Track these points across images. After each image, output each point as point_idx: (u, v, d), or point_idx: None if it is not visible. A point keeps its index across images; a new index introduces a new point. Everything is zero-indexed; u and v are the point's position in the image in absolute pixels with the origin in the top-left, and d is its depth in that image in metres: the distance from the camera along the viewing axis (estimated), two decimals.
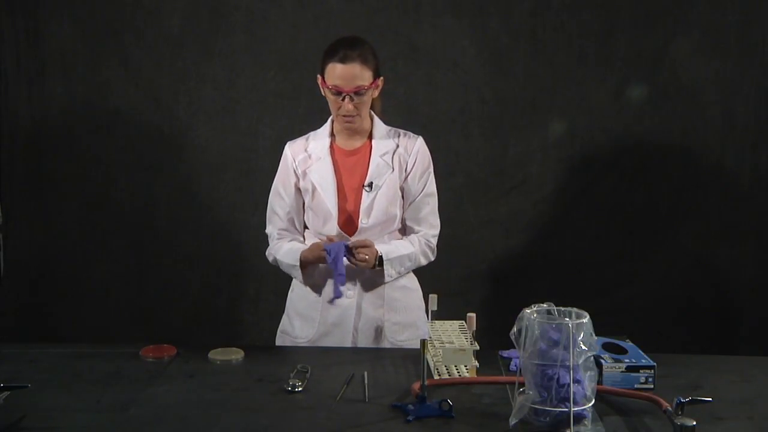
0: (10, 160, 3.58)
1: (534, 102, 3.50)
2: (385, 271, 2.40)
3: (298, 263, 2.42)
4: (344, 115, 2.38)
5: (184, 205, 3.59)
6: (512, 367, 2.12)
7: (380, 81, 2.42)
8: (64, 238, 3.59)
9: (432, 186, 2.51)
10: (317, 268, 2.45)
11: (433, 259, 2.53)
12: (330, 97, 2.38)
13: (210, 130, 3.55)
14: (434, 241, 2.51)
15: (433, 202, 2.52)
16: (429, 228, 2.50)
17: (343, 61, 2.31)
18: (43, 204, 3.58)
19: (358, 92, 2.34)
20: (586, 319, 1.72)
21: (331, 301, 2.42)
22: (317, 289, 2.48)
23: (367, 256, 2.33)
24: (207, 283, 3.62)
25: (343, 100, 2.34)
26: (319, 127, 2.55)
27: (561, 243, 3.54)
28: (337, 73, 2.32)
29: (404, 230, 2.52)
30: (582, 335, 1.69)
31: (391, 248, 2.43)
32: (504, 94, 3.50)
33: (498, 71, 3.49)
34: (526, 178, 3.53)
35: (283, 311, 2.60)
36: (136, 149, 3.56)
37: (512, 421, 1.71)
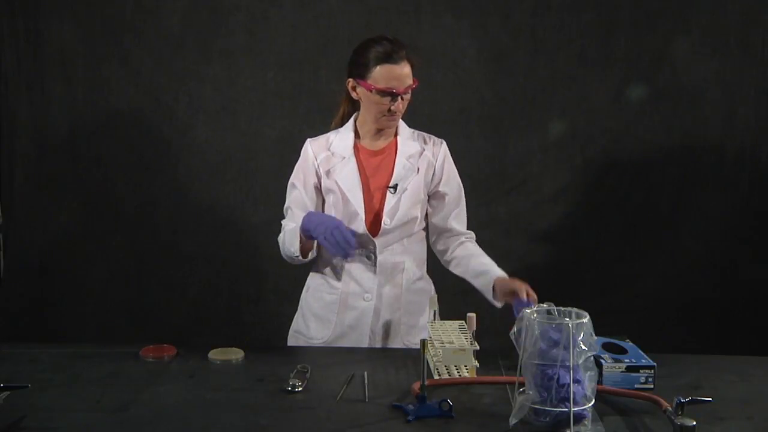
0: (10, 161, 3.58)
1: (534, 102, 3.50)
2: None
3: (298, 231, 2.31)
4: (391, 115, 2.35)
5: (184, 205, 3.59)
6: (516, 313, 2.03)
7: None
8: (64, 238, 3.59)
9: (463, 195, 2.52)
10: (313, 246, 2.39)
11: None
12: (376, 99, 2.32)
13: (210, 130, 3.55)
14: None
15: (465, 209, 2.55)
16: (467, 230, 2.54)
17: (395, 62, 2.29)
18: (43, 204, 3.58)
19: (406, 92, 2.34)
20: (586, 319, 1.72)
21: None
22: (335, 290, 2.47)
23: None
24: (207, 283, 3.62)
25: (393, 101, 2.32)
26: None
27: (561, 243, 3.54)
28: (391, 74, 2.29)
29: (438, 233, 2.51)
30: (582, 335, 1.69)
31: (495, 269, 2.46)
32: (504, 94, 3.50)
33: (498, 71, 3.49)
34: (526, 178, 3.54)
35: (286, 310, 2.59)
36: (136, 149, 3.56)
37: (512, 421, 1.71)
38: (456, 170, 2.50)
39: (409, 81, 2.32)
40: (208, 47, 3.50)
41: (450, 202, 2.48)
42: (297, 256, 2.37)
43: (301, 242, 2.33)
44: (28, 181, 3.58)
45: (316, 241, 2.35)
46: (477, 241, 3.55)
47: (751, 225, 3.51)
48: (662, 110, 3.48)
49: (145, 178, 3.58)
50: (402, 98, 2.33)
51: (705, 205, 3.51)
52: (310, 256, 2.40)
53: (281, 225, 2.50)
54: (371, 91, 2.31)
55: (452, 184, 2.48)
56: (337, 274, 2.45)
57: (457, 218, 2.50)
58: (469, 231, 2.52)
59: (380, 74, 2.29)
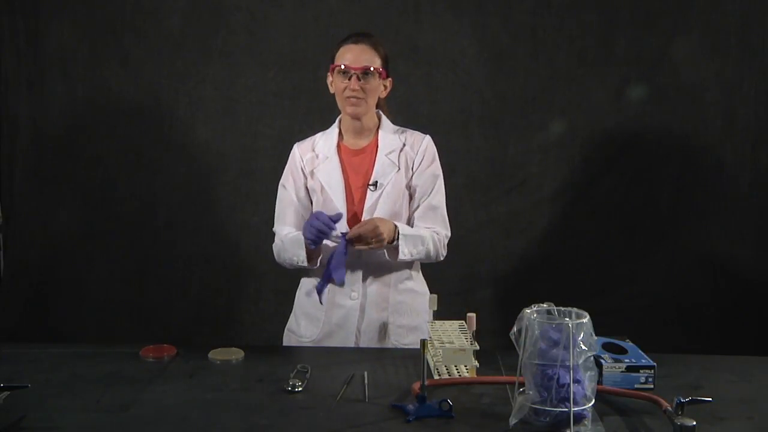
0: (10, 160, 3.58)
1: (534, 102, 3.50)
2: (400, 248, 2.32)
3: (302, 238, 2.33)
4: (349, 96, 2.36)
5: (184, 205, 3.59)
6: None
7: (389, 82, 2.43)
8: (64, 238, 3.59)
9: (440, 192, 2.47)
10: (322, 251, 2.40)
11: (443, 256, 2.46)
12: (338, 82, 2.37)
13: (210, 130, 3.55)
14: (445, 240, 2.46)
15: (443, 205, 2.48)
16: (442, 228, 2.45)
17: (354, 42, 2.37)
18: (43, 204, 3.59)
19: (366, 72, 2.34)
20: (586, 319, 1.72)
21: (318, 291, 2.31)
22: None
23: (372, 245, 2.27)
24: (207, 283, 3.62)
25: (349, 79, 2.35)
26: (319, 126, 2.55)
27: (561, 243, 3.54)
28: (346, 52, 2.37)
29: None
30: (582, 335, 1.69)
31: (406, 227, 2.39)
32: (504, 94, 3.50)
33: (498, 71, 3.49)
34: (526, 178, 3.54)
35: (286, 310, 2.60)
36: (136, 149, 3.56)
37: (512, 421, 1.71)
38: (437, 166, 2.48)
39: (368, 63, 2.35)
40: (208, 47, 3.51)
41: (419, 196, 2.45)
42: (301, 263, 2.38)
43: (307, 250, 2.35)
44: (28, 181, 3.59)
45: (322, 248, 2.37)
46: (477, 241, 3.57)
47: (751, 225, 3.51)
48: (662, 110, 3.48)
49: (145, 178, 3.58)
50: (360, 79, 2.34)
51: (705, 205, 3.51)
52: (319, 263, 2.41)
53: (275, 232, 2.50)
54: (333, 73, 2.39)
55: (424, 177, 2.45)
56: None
57: (424, 216, 2.44)
58: (439, 228, 2.45)
59: (339, 54, 2.39)
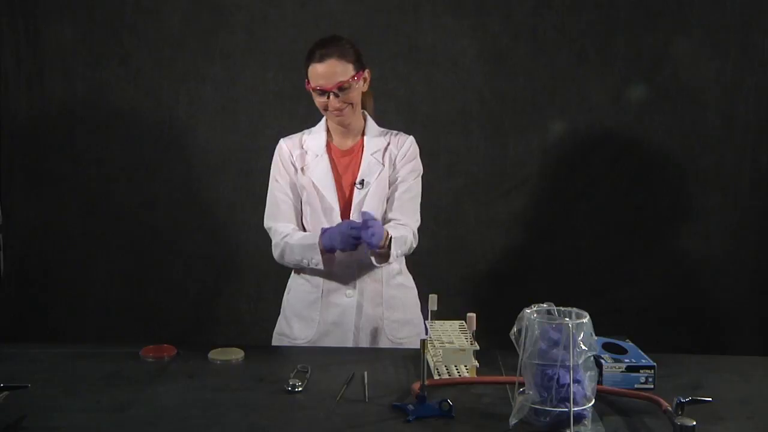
0: (10, 160, 3.57)
1: (534, 102, 3.50)
2: (392, 251, 2.35)
3: (317, 241, 2.35)
4: (332, 111, 2.39)
5: (184, 205, 3.59)
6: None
7: (366, 73, 2.43)
8: (64, 238, 3.59)
9: (418, 185, 2.51)
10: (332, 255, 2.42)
11: (415, 246, 2.49)
12: (317, 98, 2.40)
13: (210, 130, 3.55)
14: (415, 231, 2.49)
15: (417, 200, 2.51)
16: (414, 223, 2.49)
17: (320, 60, 2.34)
18: (43, 204, 3.58)
19: (342, 87, 2.35)
20: (586, 319, 1.72)
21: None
22: (316, 288, 2.48)
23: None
24: (207, 283, 3.62)
25: (328, 98, 2.36)
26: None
27: (561, 243, 3.54)
28: (317, 73, 2.35)
29: (383, 220, 2.50)
30: (582, 335, 1.69)
31: (391, 228, 2.41)
32: (504, 94, 3.50)
33: (498, 71, 3.49)
34: (526, 178, 3.53)
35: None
36: (136, 149, 3.56)
37: (512, 421, 1.71)
38: (417, 163, 2.52)
39: (341, 78, 2.33)
40: (208, 47, 3.50)
41: (395, 187, 2.48)
42: (313, 266, 2.40)
43: (323, 255, 2.38)
44: (28, 181, 3.58)
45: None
46: (477, 241, 3.57)
47: (751, 225, 3.51)
48: (662, 110, 3.48)
49: (145, 178, 3.57)
50: (338, 95, 2.34)
51: (705, 205, 3.51)
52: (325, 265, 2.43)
53: (270, 228, 2.50)
54: (310, 91, 2.39)
55: (403, 171, 2.49)
56: (318, 273, 2.46)
57: (401, 209, 2.48)
58: (408, 219, 2.48)
59: (311, 73, 2.37)
